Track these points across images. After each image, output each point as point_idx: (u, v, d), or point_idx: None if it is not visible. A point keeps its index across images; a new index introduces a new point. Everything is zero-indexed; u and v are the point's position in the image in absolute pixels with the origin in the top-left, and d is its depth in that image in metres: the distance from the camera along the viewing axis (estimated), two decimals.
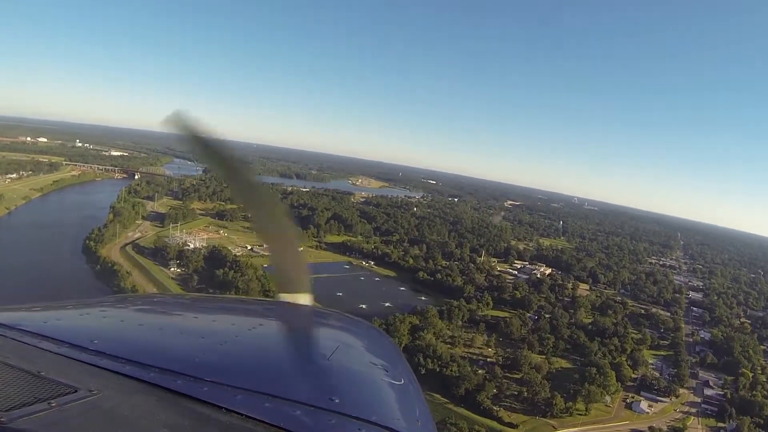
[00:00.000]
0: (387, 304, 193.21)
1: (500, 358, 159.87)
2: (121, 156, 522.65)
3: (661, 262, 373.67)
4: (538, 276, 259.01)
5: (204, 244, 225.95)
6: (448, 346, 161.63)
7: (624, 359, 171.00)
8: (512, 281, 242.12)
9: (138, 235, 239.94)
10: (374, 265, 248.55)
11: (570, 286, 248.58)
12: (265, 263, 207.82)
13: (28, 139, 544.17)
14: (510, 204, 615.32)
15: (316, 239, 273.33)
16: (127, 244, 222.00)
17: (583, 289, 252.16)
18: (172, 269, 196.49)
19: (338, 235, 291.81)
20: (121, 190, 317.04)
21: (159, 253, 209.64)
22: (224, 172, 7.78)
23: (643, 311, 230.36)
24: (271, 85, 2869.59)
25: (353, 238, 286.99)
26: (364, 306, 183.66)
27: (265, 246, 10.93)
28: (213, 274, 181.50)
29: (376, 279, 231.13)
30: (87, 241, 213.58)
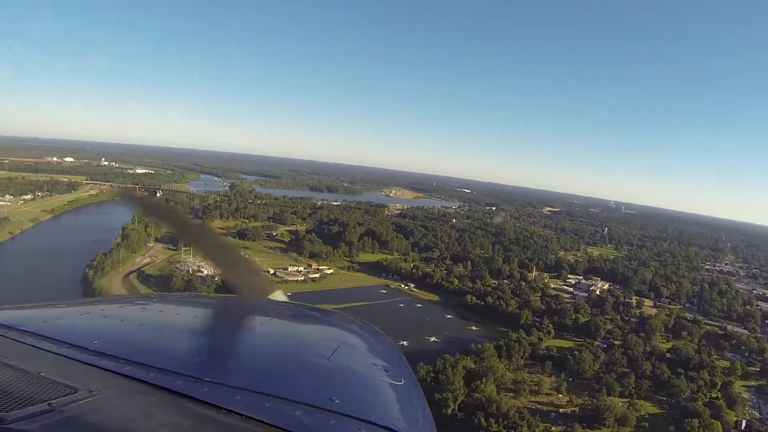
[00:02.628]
0: (433, 339, 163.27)
1: (576, 408, 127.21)
2: (145, 174, 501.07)
3: (717, 268, 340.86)
4: (597, 293, 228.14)
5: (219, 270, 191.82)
6: (512, 395, 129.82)
7: (718, 396, 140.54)
8: (570, 301, 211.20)
9: (147, 260, 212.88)
10: (414, 287, 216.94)
11: (634, 303, 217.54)
12: (290, 291, 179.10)
13: (54, 159, 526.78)
14: (548, 210, 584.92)
15: (348, 258, 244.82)
16: (132, 272, 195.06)
17: (647, 305, 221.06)
18: None
19: (372, 252, 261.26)
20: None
21: (166, 282, 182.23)
22: (166, 223, 8.59)
23: (719, 330, 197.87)
24: (300, 100, 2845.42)
25: (389, 256, 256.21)
26: (405, 342, 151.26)
27: (213, 266, 18.63)
28: None
29: (418, 305, 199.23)
30: (87, 269, 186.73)
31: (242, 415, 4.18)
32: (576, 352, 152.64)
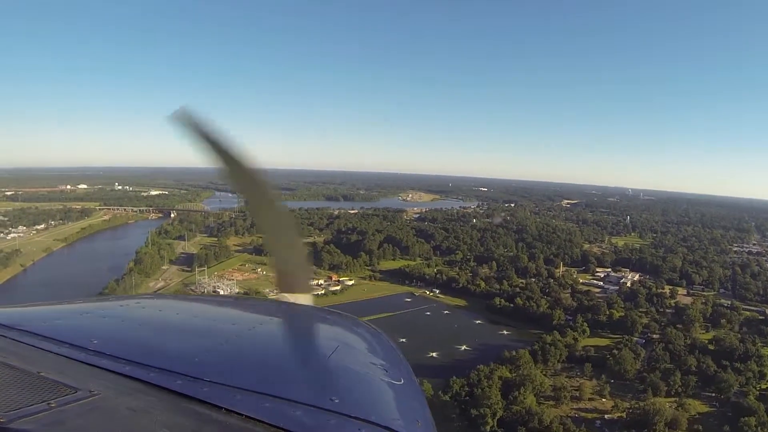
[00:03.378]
0: (463, 348, 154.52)
1: (623, 413, 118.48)
2: (159, 195, 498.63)
3: (746, 250, 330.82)
4: (629, 285, 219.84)
5: (236, 289, 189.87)
6: (552, 403, 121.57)
7: None
8: (602, 296, 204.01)
9: (161, 284, 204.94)
10: (440, 293, 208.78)
11: (668, 293, 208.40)
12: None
13: (68, 187, 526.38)
14: (567, 203, 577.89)
15: (369, 267, 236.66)
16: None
17: (681, 294, 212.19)
18: None
19: (394, 260, 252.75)
20: (149, 232, 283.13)
21: None
22: (227, 169, 7.91)
23: (759, 316, 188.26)
24: (310, 109, 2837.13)
25: (411, 262, 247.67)
26: (435, 354, 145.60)
27: (267, 247, 12.43)
28: None
29: (445, 312, 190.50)
30: None
31: (242, 415, 4.15)
32: (615, 351, 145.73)
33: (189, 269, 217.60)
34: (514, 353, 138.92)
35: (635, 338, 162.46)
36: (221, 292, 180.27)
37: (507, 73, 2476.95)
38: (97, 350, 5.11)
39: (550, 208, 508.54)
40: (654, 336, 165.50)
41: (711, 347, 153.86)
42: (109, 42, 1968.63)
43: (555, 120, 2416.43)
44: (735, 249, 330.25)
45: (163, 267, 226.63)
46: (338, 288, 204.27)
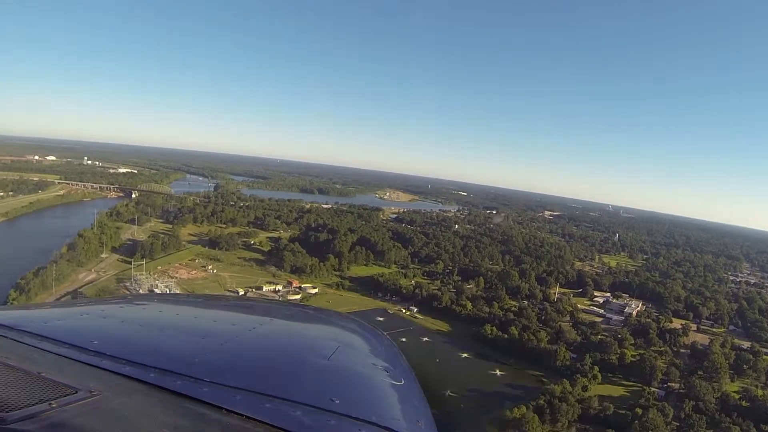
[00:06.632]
0: (448, 394, 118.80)
1: None
2: (126, 173, 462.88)
3: (743, 280, 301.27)
4: (635, 315, 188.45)
5: (178, 290, 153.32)
6: None
7: None
8: (606, 326, 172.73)
9: (93, 276, 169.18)
10: (418, 313, 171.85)
11: (680, 329, 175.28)
12: None
13: (36, 157, 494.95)
14: (549, 215, 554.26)
15: (337, 273, 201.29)
16: (68, 293, 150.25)
17: (692, 331, 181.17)
18: None
19: (366, 265, 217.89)
20: (98, 212, 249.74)
21: None
22: None
23: None
24: (295, 101, 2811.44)
25: (386, 270, 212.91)
26: None
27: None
28: None
29: (424, 339, 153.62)
30: (12, 290, 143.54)
31: (242, 415, 4.21)
32: (639, 410, 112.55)
33: (129, 261, 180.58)
34: (515, 412, 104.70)
35: (654, 389, 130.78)
36: (158, 291, 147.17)
37: (495, 82, 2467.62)
38: (98, 350, 5.21)
39: (533, 219, 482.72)
40: (674, 385, 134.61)
41: (744, 404, 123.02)
42: (99, 20, 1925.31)
43: (537, 131, 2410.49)
44: (731, 278, 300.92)
45: (103, 255, 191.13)
46: (298, 297, 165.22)
